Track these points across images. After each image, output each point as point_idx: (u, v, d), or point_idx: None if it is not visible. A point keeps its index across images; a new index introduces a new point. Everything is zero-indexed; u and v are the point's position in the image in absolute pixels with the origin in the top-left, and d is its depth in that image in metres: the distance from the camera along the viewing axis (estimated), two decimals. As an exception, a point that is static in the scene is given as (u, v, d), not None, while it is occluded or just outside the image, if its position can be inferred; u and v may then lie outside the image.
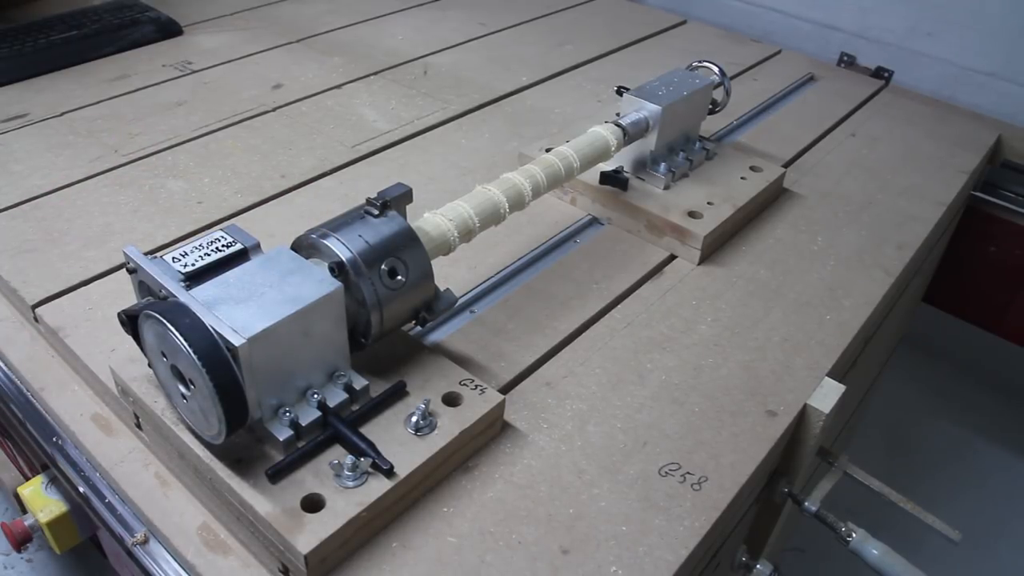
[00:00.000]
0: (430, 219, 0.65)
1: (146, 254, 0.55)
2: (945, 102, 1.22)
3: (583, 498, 0.56)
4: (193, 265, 0.54)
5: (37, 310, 0.70)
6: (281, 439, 0.52)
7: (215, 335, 0.47)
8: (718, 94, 0.92)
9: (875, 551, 0.67)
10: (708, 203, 0.83)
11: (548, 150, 0.77)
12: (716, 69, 0.92)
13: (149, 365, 0.55)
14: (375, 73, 1.16)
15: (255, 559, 0.53)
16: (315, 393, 0.54)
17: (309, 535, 0.48)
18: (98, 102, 1.05)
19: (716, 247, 0.83)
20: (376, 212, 0.59)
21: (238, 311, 0.50)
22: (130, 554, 0.56)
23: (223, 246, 0.56)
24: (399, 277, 0.58)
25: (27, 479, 0.73)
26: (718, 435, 0.62)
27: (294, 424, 0.52)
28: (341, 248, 0.56)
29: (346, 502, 0.50)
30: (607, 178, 0.83)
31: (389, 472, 0.52)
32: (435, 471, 0.55)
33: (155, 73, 1.14)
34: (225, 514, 0.54)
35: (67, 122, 1.01)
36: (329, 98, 1.09)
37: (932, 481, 1.55)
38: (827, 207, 0.92)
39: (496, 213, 0.69)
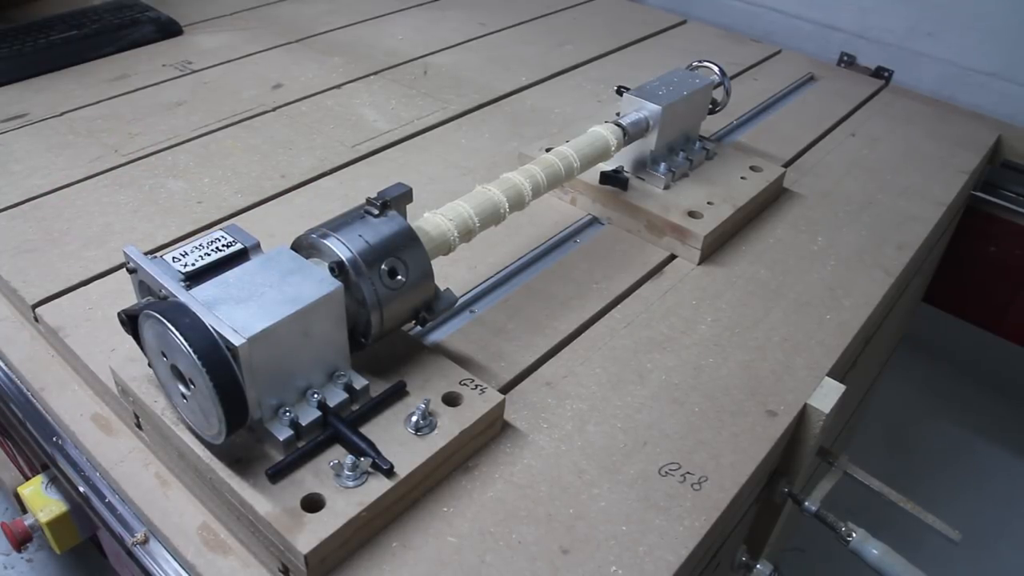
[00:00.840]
0: (430, 219, 0.65)
1: (146, 254, 0.55)
2: (945, 102, 1.22)
3: (583, 498, 0.56)
4: (193, 265, 0.54)
5: (37, 310, 0.70)
6: (281, 439, 0.52)
7: (215, 335, 0.47)
8: (718, 94, 0.92)
9: (875, 551, 0.67)
10: (708, 203, 0.83)
11: (548, 150, 0.77)
12: (716, 69, 0.92)
13: (149, 365, 0.55)
14: (375, 73, 1.16)
15: (255, 559, 0.53)
16: (315, 393, 0.54)
17: (309, 535, 0.48)
18: (98, 102, 1.05)
19: (716, 247, 0.83)
20: (376, 212, 0.59)
21: (238, 311, 0.50)
22: (130, 554, 0.56)
23: (223, 246, 0.56)
24: (399, 277, 0.58)
25: (27, 479, 0.73)
26: (718, 435, 0.62)
27: (294, 424, 0.52)
28: (341, 248, 0.56)
29: (346, 502, 0.50)
30: (607, 178, 0.83)
31: (389, 472, 0.52)
32: (435, 471, 0.55)
33: (155, 73, 1.14)
34: (225, 514, 0.54)
35: (67, 122, 1.01)
36: (329, 98, 1.09)
37: (932, 481, 1.55)
38: (827, 207, 0.92)
39: (496, 213, 0.69)
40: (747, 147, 1.01)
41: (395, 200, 0.60)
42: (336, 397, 0.55)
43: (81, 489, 0.61)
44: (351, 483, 0.51)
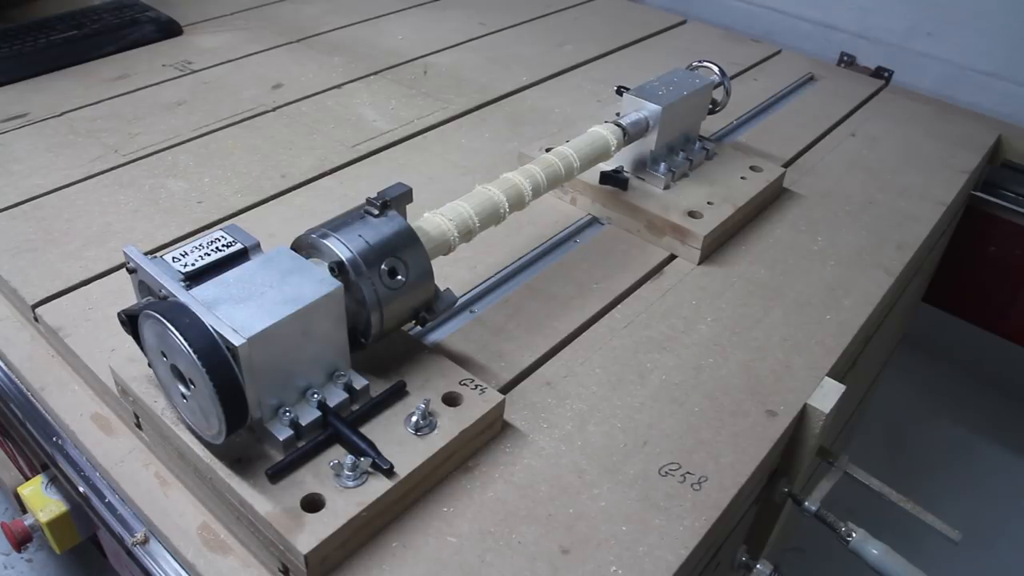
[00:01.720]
0: (430, 219, 0.65)
1: (146, 254, 0.55)
2: (945, 102, 1.22)
3: (583, 498, 0.56)
4: (193, 265, 0.54)
5: (37, 310, 0.70)
6: (281, 439, 0.52)
7: (215, 335, 0.47)
8: (718, 94, 0.92)
9: (875, 551, 0.67)
10: (708, 203, 0.83)
11: (548, 150, 0.77)
12: (716, 69, 0.92)
13: (149, 365, 0.55)
14: (375, 73, 1.16)
15: (255, 559, 0.53)
16: (315, 393, 0.54)
17: (309, 535, 0.48)
18: (98, 102, 1.05)
19: (716, 247, 0.83)
20: (376, 212, 0.59)
21: (238, 311, 0.50)
22: (130, 554, 0.56)
23: (223, 246, 0.56)
24: (399, 277, 0.58)
25: (27, 479, 0.73)
26: (718, 435, 0.62)
27: (294, 424, 0.52)
28: (341, 248, 0.56)
29: (346, 502, 0.50)
30: (607, 178, 0.83)
31: (389, 472, 0.52)
32: (435, 471, 0.55)
33: (155, 73, 1.14)
34: (225, 514, 0.54)
35: (67, 122, 1.01)
36: (329, 98, 1.09)
37: (932, 481, 1.55)
38: (827, 207, 0.92)
39: (496, 213, 0.69)
40: (747, 147, 1.01)
41: (395, 200, 0.60)
42: (336, 397, 0.55)
43: (81, 489, 0.61)
44: (351, 483, 0.51)
